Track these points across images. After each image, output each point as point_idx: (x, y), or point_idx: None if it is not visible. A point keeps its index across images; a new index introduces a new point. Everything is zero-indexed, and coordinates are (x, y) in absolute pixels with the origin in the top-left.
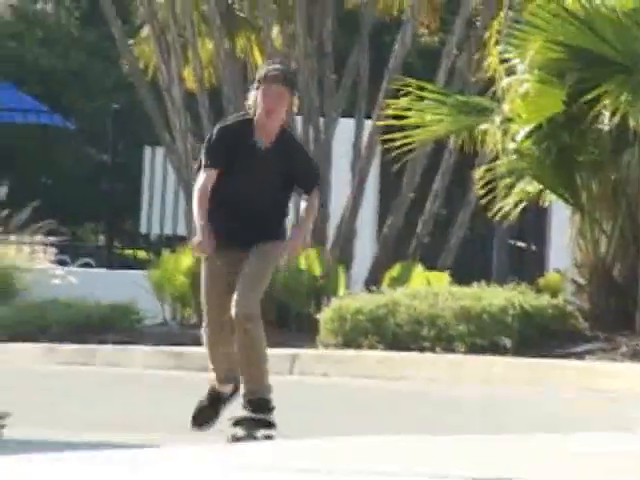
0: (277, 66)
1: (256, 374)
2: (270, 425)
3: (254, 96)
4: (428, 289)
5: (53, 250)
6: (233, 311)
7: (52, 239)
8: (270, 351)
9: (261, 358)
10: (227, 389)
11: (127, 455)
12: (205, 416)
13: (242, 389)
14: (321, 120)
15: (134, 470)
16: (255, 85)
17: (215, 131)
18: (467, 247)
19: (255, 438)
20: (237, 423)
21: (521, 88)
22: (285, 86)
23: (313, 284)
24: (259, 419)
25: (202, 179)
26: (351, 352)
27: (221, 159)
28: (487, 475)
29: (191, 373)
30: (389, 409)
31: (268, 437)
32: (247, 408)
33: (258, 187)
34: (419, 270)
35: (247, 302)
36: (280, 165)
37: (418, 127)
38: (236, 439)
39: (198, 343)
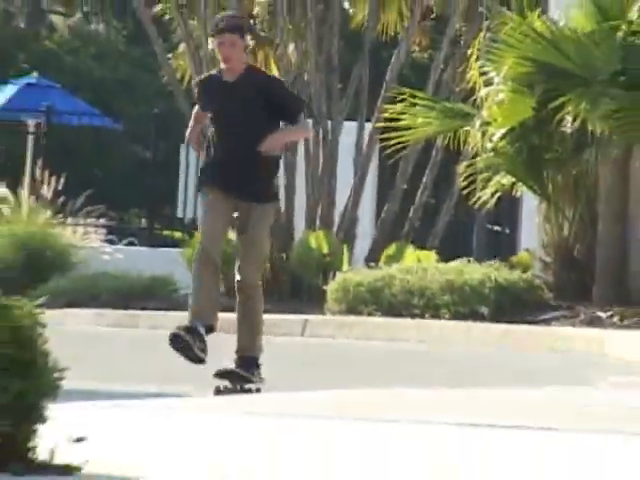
0: (225, 16)
1: (250, 334)
2: (251, 381)
3: (212, 44)
4: (418, 265)
5: (103, 231)
6: (237, 277)
7: (102, 222)
8: (284, 316)
9: (257, 320)
10: (198, 324)
11: (163, 403)
12: (183, 343)
13: (236, 345)
14: (329, 123)
15: (169, 415)
16: (210, 38)
17: (193, 84)
18: (451, 230)
19: (240, 391)
20: (223, 376)
21: (497, 97)
22: (234, 33)
23: (322, 261)
24: (245, 376)
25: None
26: (353, 318)
27: (203, 103)
28: (467, 421)
29: (219, 335)
30: (385, 365)
31: (249, 391)
32: (237, 363)
33: (239, 117)
34: (411, 249)
35: (250, 271)
36: (256, 96)
37: (410, 129)
38: (220, 391)
39: (223, 309)
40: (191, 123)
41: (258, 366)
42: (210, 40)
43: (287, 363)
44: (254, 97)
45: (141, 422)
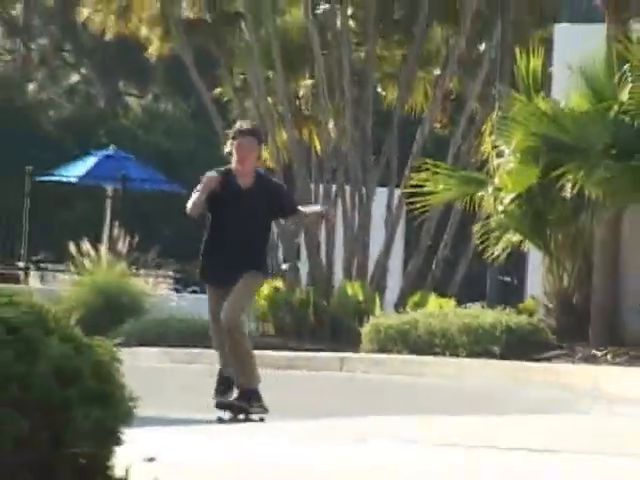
0: (246, 123)
1: (243, 368)
2: (250, 412)
3: (230, 147)
4: (440, 310)
5: (170, 281)
6: (222, 319)
7: (170, 273)
8: (325, 354)
9: (248, 357)
10: (229, 372)
11: (220, 427)
12: (220, 391)
13: (236, 381)
14: (363, 189)
15: (219, 436)
16: (230, 140)
17: (208, 175)
18: (468, 280)
19: (244, 420)
20: (225, 407)
21: (507, 167)
22: (253, 137)
23: (358, 306)
24: (244, 407)
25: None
26: (384, 356)
27: (214, 200)
28: (482, 443)
29: (267, 369)
30: (411, 397)
31: (253, 420)
32: (238, 396)
33: (245, 220)
34: (433, 297)
35: (232, 313)
36: (262, 201)
37: (433, 194)
38: (223, 421)
39: (273, 348)
40: (201, 196)
41: (258, 396)
42: (228, 143)
43: (328, 395)
44: (264, 205)
45: (200, 443)
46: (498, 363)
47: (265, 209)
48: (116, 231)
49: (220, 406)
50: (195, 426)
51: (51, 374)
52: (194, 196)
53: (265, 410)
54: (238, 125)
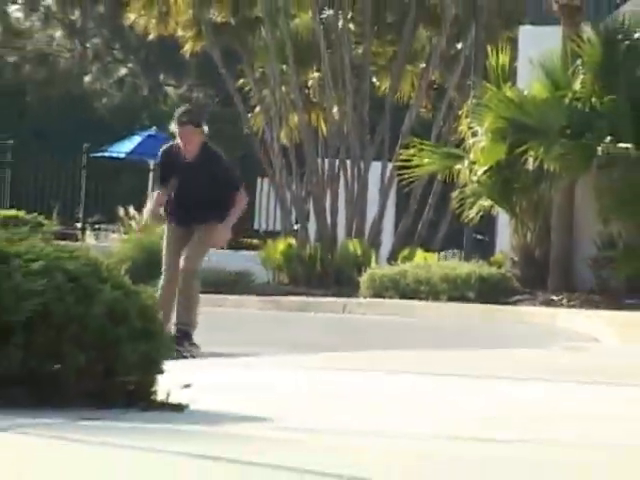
0: (185, 111)
1: (185, 311)
2: (180, 352)
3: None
4: (425, 262)
5: None
6: (180, 265)
7: None
8: (330, 299)
9: (194, 299)
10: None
11: (246, 360)
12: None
13: (175, 319)
14: (361, 163)
15: (249, 369)
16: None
17: (159, 153)
18: (448, 238)
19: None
20: None
21: (480, 144)
22: (190, 124)
23: (357, 260)
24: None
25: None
26: (379, 300)
27: (164, 176)
28: (454, 372)
29: (283, 312)
30: (402, 334)
31: (185, 357)
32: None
33: (194, 186)
34: (420, 252)
35: (190, 260)
36: (204, 169)
37: (419, 167)
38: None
39: (287, 294)
40: (152, 204)
41: (190, 338)
42: (173, 124)
43: (334, 332)
44: (206, 173)
45: (232, 372)
46: (472, 306)
47: (208, 176)
48: None
49: None
50: (226, 359)
51: (105, 315)
52: (147, 209)
53: (195, 349)
54: (176, 113)
